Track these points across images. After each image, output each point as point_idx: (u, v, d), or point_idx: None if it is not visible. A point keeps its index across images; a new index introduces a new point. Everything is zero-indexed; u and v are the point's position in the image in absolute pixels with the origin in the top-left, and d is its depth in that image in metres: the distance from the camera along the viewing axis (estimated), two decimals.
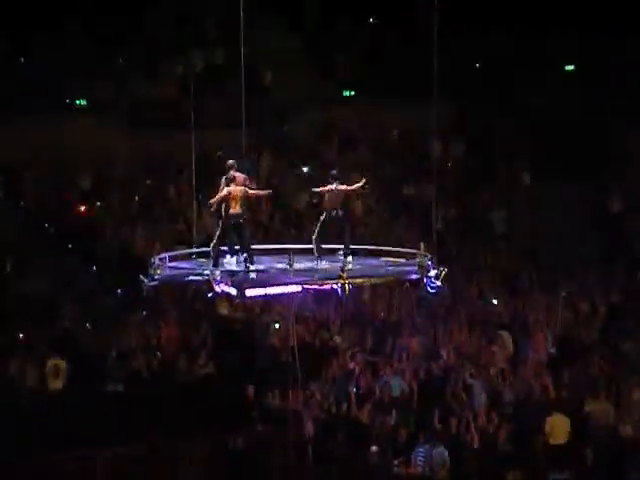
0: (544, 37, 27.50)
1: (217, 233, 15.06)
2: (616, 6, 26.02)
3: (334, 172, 15.65)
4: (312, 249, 15.47)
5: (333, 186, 15.44)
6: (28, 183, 24.79)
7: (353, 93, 29.41)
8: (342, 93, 29.44)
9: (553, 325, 21.37)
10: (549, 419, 17.99)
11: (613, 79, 26.26)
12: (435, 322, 21.54)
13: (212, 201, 15.16)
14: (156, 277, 14.90)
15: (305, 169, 26.71)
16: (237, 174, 15.31)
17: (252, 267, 14.68)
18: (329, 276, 14.43)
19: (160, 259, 15.12)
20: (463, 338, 20.93)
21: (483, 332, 21.08)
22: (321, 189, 15.62)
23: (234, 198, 14.85)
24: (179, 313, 21.58)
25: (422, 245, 15.29)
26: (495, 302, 21.75)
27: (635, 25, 25.72)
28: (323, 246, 15.50)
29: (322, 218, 15.46)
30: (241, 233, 14.95)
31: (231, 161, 15.42)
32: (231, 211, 14.87)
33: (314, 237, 15.45)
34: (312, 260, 15.25)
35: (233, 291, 14.10)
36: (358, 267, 15.07)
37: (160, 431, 18.50)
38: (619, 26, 26.19)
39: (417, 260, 14.90)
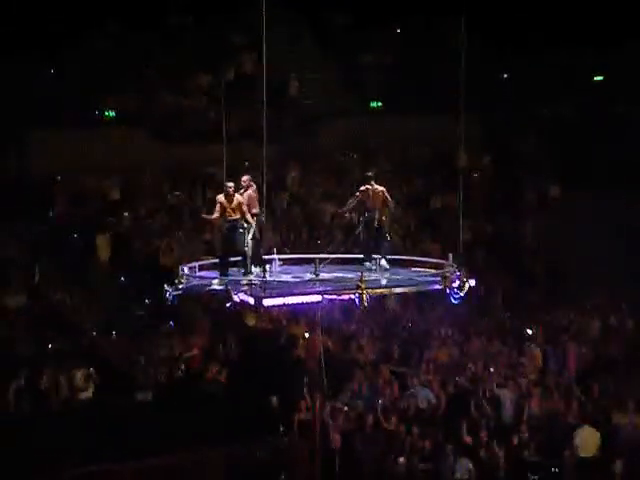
0: (571, 48, 27.40)
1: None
2: None
3: (370, 174, 15.57)
4: (344, 257, 15.38)
5: (370, 187, 15.35)
6: (58, 194, 24.94)
7: (380, 104, 29.41)
8: (370, 105, 29.45)
9: (582, 338, 21.26)
10: (579, 431, 17.92)
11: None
12: (463, 334, 21.49)
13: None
14: (180, 287, 14.95)
15: None
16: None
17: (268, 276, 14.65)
18: (347, 286, 14.28)
19: (188, 269, 15.12)
20: (492, 350, 20.86)
21: (512, 344, 20.99)
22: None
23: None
24: (206, 323, 21.62)
25: (450, 256, 15.25)
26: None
27: None
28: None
29: (362, 219, 15.39)
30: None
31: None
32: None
33: (362, 239, 15.35)
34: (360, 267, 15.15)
35: (251, 300, 14.06)
36: (387, 277, 14.98)
37: (189, 441, 18.52)
38: None
39: (442, 271, 14.82)
